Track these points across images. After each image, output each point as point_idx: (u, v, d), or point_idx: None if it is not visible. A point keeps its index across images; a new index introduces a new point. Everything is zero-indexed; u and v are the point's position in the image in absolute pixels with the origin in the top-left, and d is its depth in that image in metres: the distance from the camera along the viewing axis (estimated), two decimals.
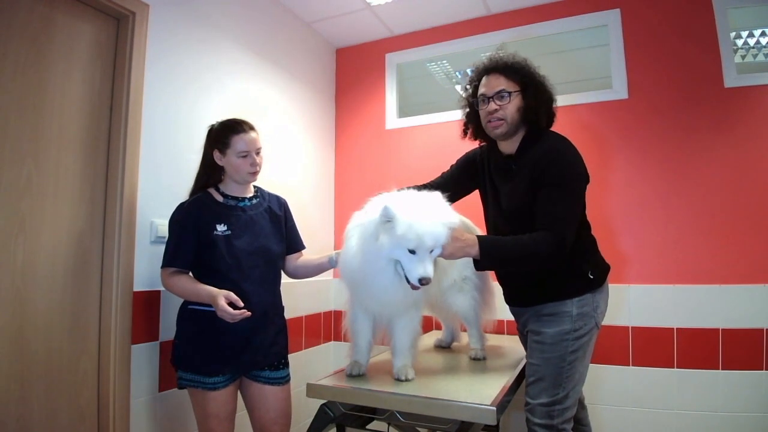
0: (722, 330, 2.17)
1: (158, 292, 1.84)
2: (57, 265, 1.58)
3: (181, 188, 1.99)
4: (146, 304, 1.79)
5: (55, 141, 1.59)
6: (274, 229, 1.73)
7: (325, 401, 1.44)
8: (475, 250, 1.32)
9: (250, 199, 1.71)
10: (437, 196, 1.34)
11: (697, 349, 2.19)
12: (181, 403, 1.90)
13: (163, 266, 1.60)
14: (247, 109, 2.39)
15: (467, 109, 1.62)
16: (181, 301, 1.65)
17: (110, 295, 1.68)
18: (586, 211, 1.55)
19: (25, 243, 1.49)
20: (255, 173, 1.65)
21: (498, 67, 1.49)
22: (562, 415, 1.38)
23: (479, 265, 1.37)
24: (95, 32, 1.73)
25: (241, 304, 1.47)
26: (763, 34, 2.55)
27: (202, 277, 1.58)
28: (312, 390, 1.43)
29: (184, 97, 2.03)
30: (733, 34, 2.38)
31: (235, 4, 2.36)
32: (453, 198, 1.66)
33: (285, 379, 1.73)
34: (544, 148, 1.41)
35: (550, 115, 1.50)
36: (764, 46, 2.57)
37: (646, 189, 2.38)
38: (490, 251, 1.33)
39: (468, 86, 1.60)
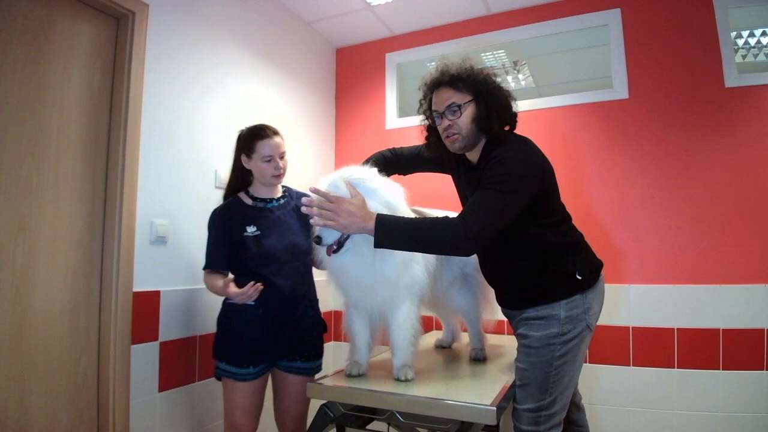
0: (722, 330, 2.17)
1: (158, 292, 1.84)
2: (57, 265, 1.58)
3: (181, 188, 2.00)
4: (146, 304, 1.79)
5: (55, 141, 1.59)
6: (302, 226, 1.76)
7: (325, 401, 1.44)
8: (371, 224, 1.26)
9: (278, 199, 1.79)
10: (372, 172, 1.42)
11: (698, 349, 2.19)
12: (181, 403, 1.90)
13: (203, 268, 1.69)
14: (247, 109, 2.39)
15: (428, 122, 1.57)
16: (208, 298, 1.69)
17: (110, 295, 1.68)
18: (583, 212, 1.52)
19: (25, 243, 1.49)
20: (279, 176, 1.73)
21: (444, 80, 1.44)
22: (549, 420, 1.35)
23: (377, 242, 1.28)
24: (95, 32, 1.73)
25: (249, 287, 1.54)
26: (763, 33, 2.55)
27: (239, 274, 1.68)
28: (312, 390, 1.43)
29: (184, 97, 2.03)
30: (733, 34, 2.38)
31: (235, 4, 2.36)
32: (407, 171, 1.74)
33: (316, 370, 1.79)
34: (492, 156, 1.36)
35: (504, 120, 1.43)
36: (765, 46, 2.57)
37: (647, 189, 2.38)
38: (388, 228, 1.27)
39: (422, 101, 1.55)
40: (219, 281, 1.63)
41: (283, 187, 1.84)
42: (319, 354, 1.80)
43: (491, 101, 1.40)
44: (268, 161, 1.68)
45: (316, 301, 1.84)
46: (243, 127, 1.77)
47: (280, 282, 1.66)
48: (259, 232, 1.67)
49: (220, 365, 1.67)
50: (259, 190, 1.76)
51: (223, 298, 1.74)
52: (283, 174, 1.74)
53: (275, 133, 1.73)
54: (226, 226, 1.68)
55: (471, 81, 1.41)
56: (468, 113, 1.41)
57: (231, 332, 1.68)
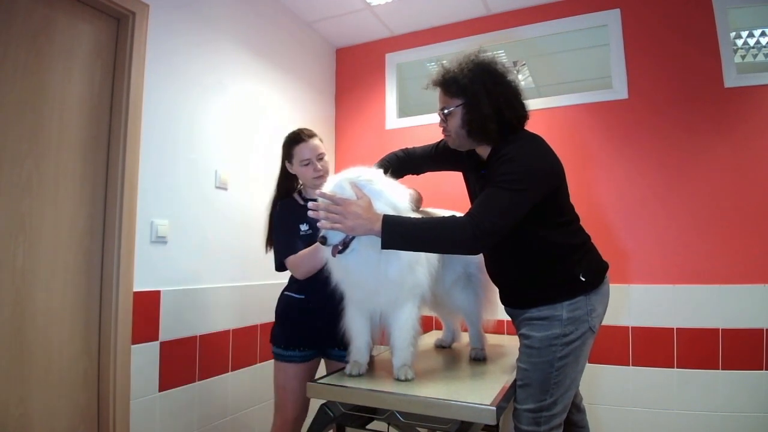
0: (722, 330, 2.17)
1: (158, 292, 1.84)
2: (57, 265, 1.58)
3: (181, 188, 2.00)
4: (146, 304, 1.79)
5: (55, 141, 1.59)
6: None
7: (325, 401, 1.44)
8: (378, 226, 1.25)
9: None
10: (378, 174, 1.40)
11: (697, 349, 2.20)
12: (181, 403, 1.90)
13: (287, 258, 1.66)
14: (247, 110, 2.40)
15: None
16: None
17: (110, 295, 1.69)
18: (583, 212, 1.51)
19: (25, 243, 1.49)
20: (320, 177, 1.74)
21: (436, 83, 1.44)
22: (550, 422, 1.35)
23: (384, 243, 1.27)
24: (95, 32, 1.73)
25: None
26: (763, 34, 2.55)
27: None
28: (312, 390, 1.43)
29: (184, 97, 2.03)
30: (733, 34, 2.38)
31: (235, 4, 2.36)
32: (420, 171, 1.73)
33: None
34: (500, 153, 1.34)
35: (504, 123, 1.37)
36: (764, 46, 2.58)
37: (646, 189, 2.39)
38: (395, 229, 1.26)
39: None
40: (309, 249, 1.64)
41: None
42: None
43: (484, 107, 1.35)
44: (307, 164, 1.72)
45: None
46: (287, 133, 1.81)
47: (325, 277, 1.68)
48: (311, 231, 1.69)
49: (275, 350, 1.73)
50: (308, 192, 1.80)
51: (280, 290, 1.79)
52: (325, 175, 1.74)
53: (311, 135, 1.75)
54: (291, 217, 1.71)
55: (461, 85, 1.37)
56: (457, 118, 1.40)
57: (284, 319, 1.75)
